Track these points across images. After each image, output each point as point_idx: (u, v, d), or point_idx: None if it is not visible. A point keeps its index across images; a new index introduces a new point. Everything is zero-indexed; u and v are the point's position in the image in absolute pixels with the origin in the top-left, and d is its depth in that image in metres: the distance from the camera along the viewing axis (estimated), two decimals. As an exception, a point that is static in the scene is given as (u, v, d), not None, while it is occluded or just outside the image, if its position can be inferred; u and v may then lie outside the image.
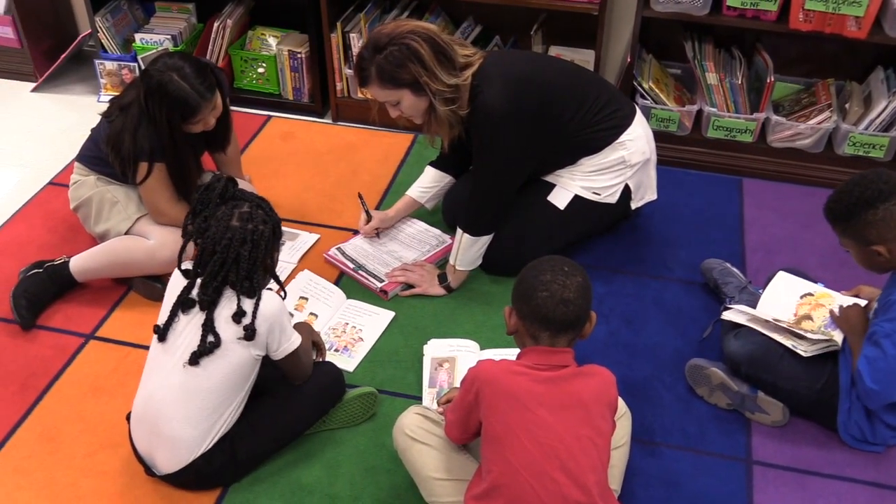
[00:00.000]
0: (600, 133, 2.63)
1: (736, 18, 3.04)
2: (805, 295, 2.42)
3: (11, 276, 2.73)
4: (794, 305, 2.40)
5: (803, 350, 2.23)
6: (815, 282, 2.47)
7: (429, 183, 2.89)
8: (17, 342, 2.57)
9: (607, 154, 2.65)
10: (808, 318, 2.36)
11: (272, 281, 2.14)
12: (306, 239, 2.95)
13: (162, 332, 2.05)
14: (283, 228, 2.91)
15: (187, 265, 2.06)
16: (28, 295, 2.61)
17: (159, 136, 2.53)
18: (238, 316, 1.97)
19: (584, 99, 2.60)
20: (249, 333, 1.98)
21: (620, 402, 2.12)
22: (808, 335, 2.25)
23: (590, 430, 1.79)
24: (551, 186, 2.71)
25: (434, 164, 2.88)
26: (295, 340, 2.09)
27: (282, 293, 2.15)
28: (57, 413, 2.37)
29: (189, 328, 2.01)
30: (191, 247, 2.07)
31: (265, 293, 2.03)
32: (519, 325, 1.86)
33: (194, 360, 1.98)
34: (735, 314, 2.39)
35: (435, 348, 2.51)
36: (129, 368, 2.48)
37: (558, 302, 1.78)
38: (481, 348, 2.52)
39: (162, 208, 2.64)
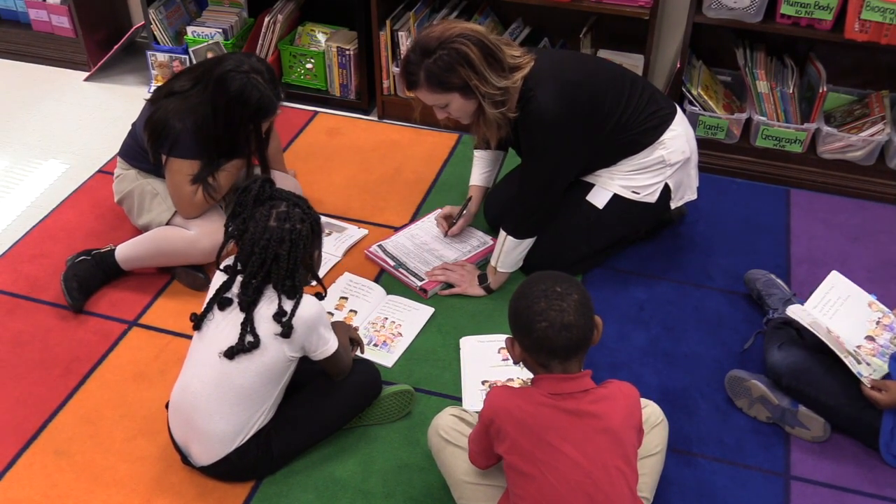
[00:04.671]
0: (642, 134, 2.60)
1: (789, 27, 2.99)
2: (878, 320, 2.34)
3: (60, 261, 2.78)
4: (866, 329, 2.32)
5: (856, 370, 2.17)
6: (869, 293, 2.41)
7: (486, 166, 2.88)
8: (63, 326, 2.62)
9: (647, 153, 2.62)
10: (872, 339, 2.31)
11: (313, 280, 2.15)
12: (353, 233, 2.96)
13: (197, 322, 2.07)
14: (332, 221, 2.97)
15: (229, 261, 2.08)
16: (78, 278, 2.65)
17: (232, 136, 2.54)
18: (279, 316, 1.98)
19: (628, 100, 2.58)
20: (286, 331, 1.99)
21: (657, 409, 2.11)
22: (868, 364, 2.20)
23: (619, 459, 1.74)
24: (590, 186, 2.70)
25: (480, 147, 2.86)
26: (333, 344, 2.10)
27: (323, 292, 2.16)
28: (98, 397, 2.41)
29: (226, 323, 2.03)
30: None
31: (305, 297, 2.03)
32: (524, 356, 1.79)
33: (230, 354, 1.99)
34: (798, 313, 2.30)
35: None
36: (170, 357, 2.51)
37: (560, 329, 1.71)
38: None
39: (187, 202, 2.64)
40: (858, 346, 2.27)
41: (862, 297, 2.38)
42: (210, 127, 2.52)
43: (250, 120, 2.53)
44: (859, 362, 2.21)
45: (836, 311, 2.35)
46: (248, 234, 2.00)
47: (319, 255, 2.15)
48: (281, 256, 1.98)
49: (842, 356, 2.20)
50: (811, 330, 2.25)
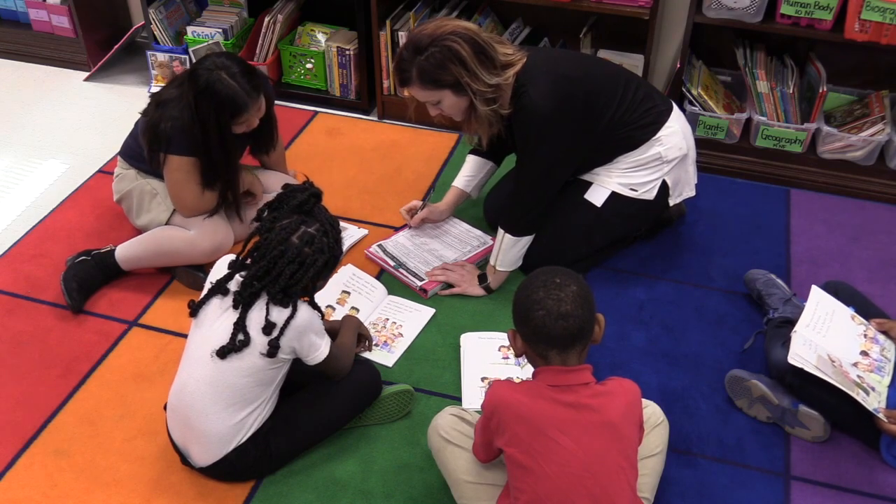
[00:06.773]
0: (638, 130, 2.60)
1: (789, 27, 2.99)
2: (864, 333, 2.34)
3: (60, 261, 2.78)
4: (859, 345, 2.31)
5: (872, 407, 2.15)
6: (849, 304, 2.39)
7: (471, 171, 2.88)
8: (63, 326, 2.62)
9: (644, 150, 2.62)
10: (866, 353, 2.30)
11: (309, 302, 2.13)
12: (353, 233, 2.96)
13: (194, 309, 2.07)
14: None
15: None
16: (78, 279, 2.65)
17: (206, 134, 2.53)
18: (268, 329, 1.98)
19: (623, 97, 2.58)
20: (272, 350, 1.98)
21: (657, 409, 2.11)
22: (873, 390, 2.19)
23: (617, 453, 1.75)
24: (588, 185, 2.70)
25: (474, 153, 2.88)
26: (324, 350, 2.09)
27: (320, 314, 2.14)
28: (98, 397, 2.41)
29: (222, 319, 2.02)
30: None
31: (300, 306, 2.02)
32: (525, 347, 1.81)
33: (223, 354, 1.99)
34: (802, 355, 2.23)
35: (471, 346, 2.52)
36: (170, 357, 2.51)
37: (556, 318, 1.73)
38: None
39: (188, 201, 2.65)
40: (856, 364, 2.26)
41: (844, 311, 2.37)
42: (193, 124, 2.52)
43: (220, 115, 2.49)
44: (867, 392, 2.18)
45: (828, 327, 2.32)
46: (269, 236, 2.00)
47: (323, 285, 2.13)
48: (283, 274, 1.98)
49: (853, 394, 2.16)
50: (821, 375, 2.17)
